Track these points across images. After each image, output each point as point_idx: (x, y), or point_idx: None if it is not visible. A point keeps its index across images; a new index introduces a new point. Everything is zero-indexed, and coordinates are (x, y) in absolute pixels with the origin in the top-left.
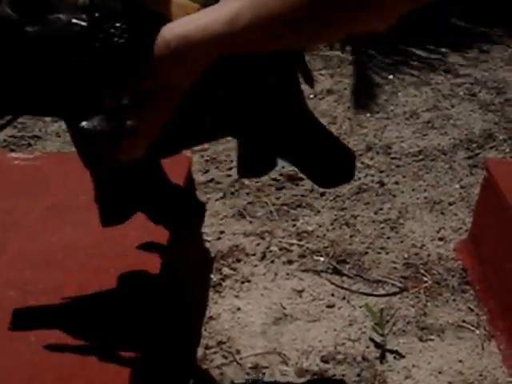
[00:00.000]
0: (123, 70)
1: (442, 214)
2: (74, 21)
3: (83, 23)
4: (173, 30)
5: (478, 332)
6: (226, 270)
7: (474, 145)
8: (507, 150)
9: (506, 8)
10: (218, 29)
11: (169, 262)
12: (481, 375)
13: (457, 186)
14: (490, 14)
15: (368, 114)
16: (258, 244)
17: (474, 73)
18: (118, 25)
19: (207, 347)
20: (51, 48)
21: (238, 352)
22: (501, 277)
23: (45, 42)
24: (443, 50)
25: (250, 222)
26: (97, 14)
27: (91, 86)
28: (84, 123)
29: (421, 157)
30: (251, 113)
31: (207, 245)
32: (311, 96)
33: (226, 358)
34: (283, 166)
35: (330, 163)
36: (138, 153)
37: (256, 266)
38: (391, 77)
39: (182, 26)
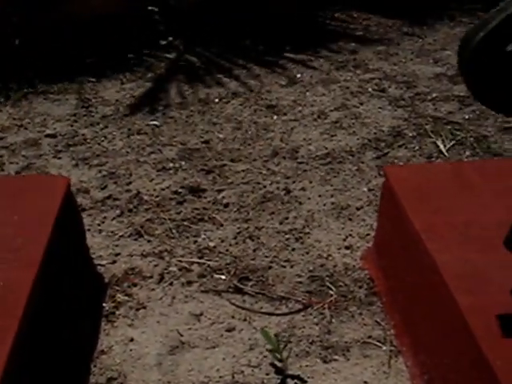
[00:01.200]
0: None
1: (350, 219)
2: None
3: None
4: None
5: (384, 348)
6: (120, 297)
7: (383, 144)
8: (416, 148)
9: None
10: None
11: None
12: None
13: (365, 189)
14: (398, 3)
15: (275, 117)
16: (156, 265)
17: (383, 67)
18: None
19: None
20: None
21: None
22: (404, 290)
23: None
24: (352, 45)
25: (148, 241)
26: None
27: None
28: None
29: (328, 159)
30: None
31: (101, 270)
32: (216, 100)
33: None
34: None
35: None
36: None
37: (153, 289)
38: (299, 76)
39: None
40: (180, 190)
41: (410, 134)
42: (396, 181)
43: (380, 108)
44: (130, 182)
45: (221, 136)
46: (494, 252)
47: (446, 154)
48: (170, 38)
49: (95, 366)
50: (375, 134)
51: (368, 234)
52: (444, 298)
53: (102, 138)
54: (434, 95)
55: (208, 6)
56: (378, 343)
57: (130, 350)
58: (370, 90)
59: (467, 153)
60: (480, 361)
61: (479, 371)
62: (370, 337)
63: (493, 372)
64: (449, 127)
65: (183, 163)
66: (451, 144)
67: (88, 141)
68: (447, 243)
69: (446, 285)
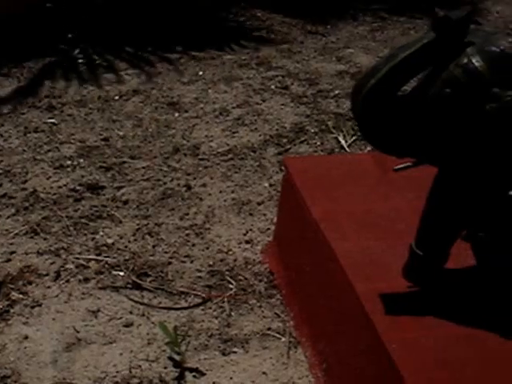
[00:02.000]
0: None
1: (251, 214)
2: None
3: None
4: None
5: (283, 339)
6: (14, 295)
7: (285, 140)
8: (318, 143)
9: None
10: None
11: None
12: None
13: (266, 185)
14: (303, 3)
15: (176, 114)
16: (53, 263)
17: (286, 65)
18: None
19: None
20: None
21: None
22: (303, 281)
23: (507, 111)
24: (255, 43)
25: (45, 239)
26: None
27: None
28: None
29: (230, 156)
30: None
31: None
32: (116, 97)
33: None
34: None
35: None
36: None
37: (49, 287)
38: (201, 73)
39: None
40: (78, 188)
41: (312, 130)
42: (295, 172)
43: (282, 105)
44: (26, 180)
45: (121, 133)
46: (391, 239)
47: (347, 149)
48: (70, 35)
49: None
50: (277, 130)
51: (269, 229)
52: (342, 285)
53: None
54: (337, 92)
55: (110, 4)
56: (277, 335)
57: (25, 348)
58: (272, 87)
59: (368, 148)
60: (376, 345)
61: (375, 355)
62: (269, 329)
63: (388, 355)
64: (350, 123)
65: (81, 161)
66: (352, 139)
67: None
68: (345, 232)
69: (344, 272)
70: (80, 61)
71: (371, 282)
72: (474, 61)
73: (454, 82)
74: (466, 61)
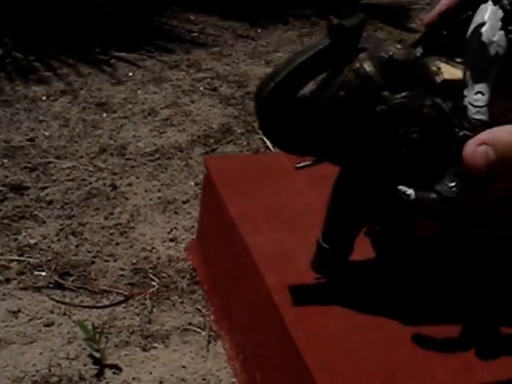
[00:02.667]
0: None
1: (176, 213)
2: (439, 102)
3: (444, 106)
4: None
5: (203, 333)
6: None
7: (212, 140)
8: (244, 144)
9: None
10: None
11: None
12: (204, 379)
13: (192, 184)
14: (236, 7)
15: (104, 114)
16: None
17: (216, 67)
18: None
19: None
20: (402, 122)
21: None
22: (223, 276)
23: (398, 113)
24: (186, 45)
25: None
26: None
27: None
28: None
29: (157, 156)
30: None
31: None
32: (43, 98)
33: None
34: None
35: None
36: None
37: None
38: (131, 74)
39: None
40: (1, 188)
41: (239, 131)
42: (215, 170)
43: (211, 106)
44: None
45: (47, 133)
46: (302, 233)
47: (272, 149)
48: None
49: None
50: (205, 130)
51: (193, 227)
52: (254, 277)
53: None
54: None
55: (39, 5)
56: (197, 329)
57: None
58: (201, 88)
59: None
60: (284, 334)
61: (283, 344)
62: (190, 324)
63: (294, 343)
64: None
65: (5, 161)
66: None
67: None
68: (259, 227)
69: (256, 265)
70: (7, 60)
71: (282, 274)
72: (365, 66)
73: (348, 86)
74: (358, 65)
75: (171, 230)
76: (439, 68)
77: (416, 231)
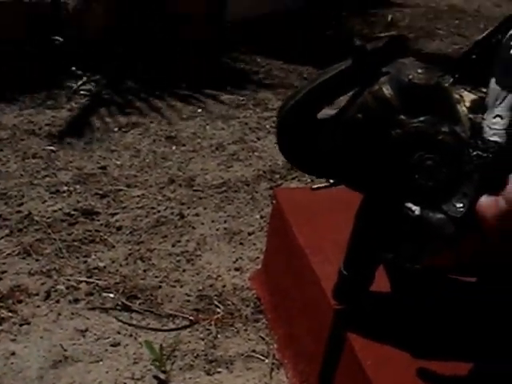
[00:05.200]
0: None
1: (241, 244)
2: (458, 130)
3: (463, 135)
4: None
5: (267, 361)
6: (3, 313)
7: (277, 175)
8: (308, 180)
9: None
10: None
11: None
12: None
13: (257, 216)
14: (301, 52)
15: (174, 147)
16: (43, 283)
17: None
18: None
19: None
20: (418, 147)
21: None
22: (288, 305)
23: (414, 138)
24: (253, 85)
25: (37, 260)
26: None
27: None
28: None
29: (224, 188)
30: None
31: None
32: (115, 129)
33: None
34: None
35: None
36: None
37: (38, 306)
38: (200, 110)
39: None
40: (73, 213)
41: None
42: (284, 201)
43: (276, 143)
44: (22, 203)
45: (118, 163)
46: None
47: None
48: (73, 68)
49: None
50: (270, 166)
51: (258, 257)
52: (323, 306)
53: None
54: None
55: (114, 37)
56: (261, 357)
57: (11, 364)
58: (267, 126)
59: None
60: (352, 361)
61: (352, 371)
62: (253, 351)
63: (364, 372)
64: None
65: (78, 187)
66: None
67: None
68: (329, 257)
69: (325, 294)
70: (81, 92)
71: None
72: (384, 89)
73: (366, 108)
74: (377, 88)
75: (236, 260)
76: (462, 96)
77: (426, 261)
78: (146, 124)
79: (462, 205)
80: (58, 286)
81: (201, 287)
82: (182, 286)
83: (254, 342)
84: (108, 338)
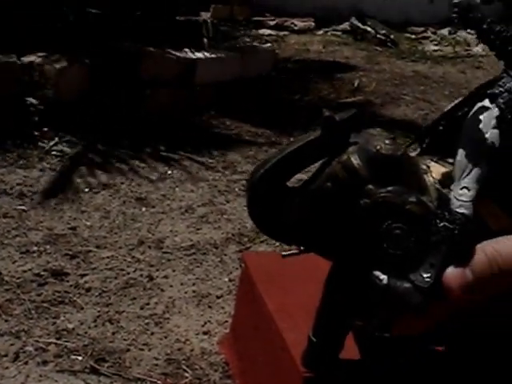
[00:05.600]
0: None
1: (210, 307)
2: (425, 200)
3: (431, 205)
4: (496, 248)
5: None
6: None
7: (246, 238)
8: (277, 244)
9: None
10: None
11: None
12: None
13: (226, 279)
14: (268, 116)
15: (144, 209)
16: (12, 344)
17: (251, 169)
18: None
19: None
20: (385, 217)
21: None
22: (256, 371)
23: (382, 207)
24: (221, 149)
25: (6, 321)
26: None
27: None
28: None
29: (192, 251)
30: None
31: None
32: (86, 190)
33: None
34: None
35: None
36: (413, 332)
37: (7, 367)
38: (170, 172)
39: (506, 243)
40: (42, 273)
41: None
42: (253, 266)
43: (245, 206)
44: None
45: (88, 223)
46: None
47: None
48: (45, 129)
49: None
50: (239, 229)
51: (226, 321)
52: (292, 374)
53: None
54: None
55: (87, 100)
56: None
57: None
58: (236, 189)
59: None
60: None
61: None
62: None
63: None
64: None
65: (48, 247)
66: None
67: None
68: (298, 323)
69: (294, 361)
70: (53, 153)
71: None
72: (352, 158)
73: (335, 177)
74: (345, 158)
75: (205, 323)
76: (429, 167)
77: (395, 330)
78: (117, 185)
79: (429, 275)
80: (27, 348)
81: (169, 351)
82: (150, 350)
83: None
84: None
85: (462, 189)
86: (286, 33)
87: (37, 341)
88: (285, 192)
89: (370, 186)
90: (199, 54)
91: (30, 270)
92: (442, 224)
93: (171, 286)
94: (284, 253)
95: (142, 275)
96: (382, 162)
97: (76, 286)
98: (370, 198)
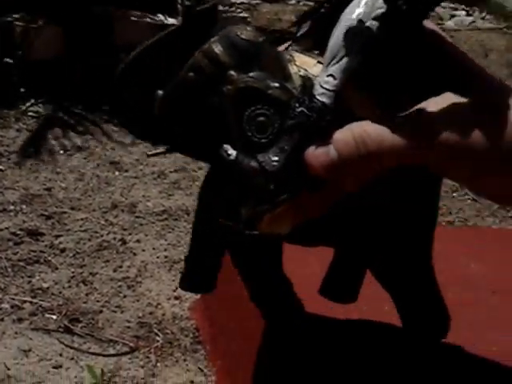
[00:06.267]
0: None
1: (181, 273)
2: (289, 86)
3: (294, 91)
4: (365, 129)
5: None
6: None
7: None
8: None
9: None
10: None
11: None
12: None
13: None
14: None
15: (117, 173)
16: None
17: None
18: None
19: None
20: (249, 103)
21: None
22: (227, 337)
23: (244, 93)
24: None
25: None
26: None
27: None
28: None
29: (165, 216)
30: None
31: None
32: (61, 152)
33: None
34: None
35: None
36: (282, 229)
37: None
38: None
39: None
40: (19, 232)
41: None
42: None
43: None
44: None
45: (63, 185)
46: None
47: None
48: (22, 89)
49: None
50: None
51: None
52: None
53: None
54: None
55: (63, 62)
56: None
57: None
58: None
59: None
60: None
61: None
62: (192, 382)
63: None
64: None
65: (24, 207)
66: None
67: None
68: None
69: (264, 328)
70: (29, 114)
71: None
72: (213, 46)
73: (197, 67)
74: (206, 46)
75: (176, 289)
76: (292, 56)
77: (263, 227)
78: (91, 148)
79: (276, 158)
80: (3, 305)
81: (141, 314)
82: (122, 312)
83: (192, 373)
84: (50, 359)
85: (328, 76)
86: (258, 1)
87: (12, 298)
88: (147, 85)
89: (232, 72)
90: (172, 20)
91: (6, 228)
92: (299, 109)
93: (143, 251)
94: (149, 152)
95: (115, 238)
96: (242, 47)
97: (51, 246)
98: (232, 84)
